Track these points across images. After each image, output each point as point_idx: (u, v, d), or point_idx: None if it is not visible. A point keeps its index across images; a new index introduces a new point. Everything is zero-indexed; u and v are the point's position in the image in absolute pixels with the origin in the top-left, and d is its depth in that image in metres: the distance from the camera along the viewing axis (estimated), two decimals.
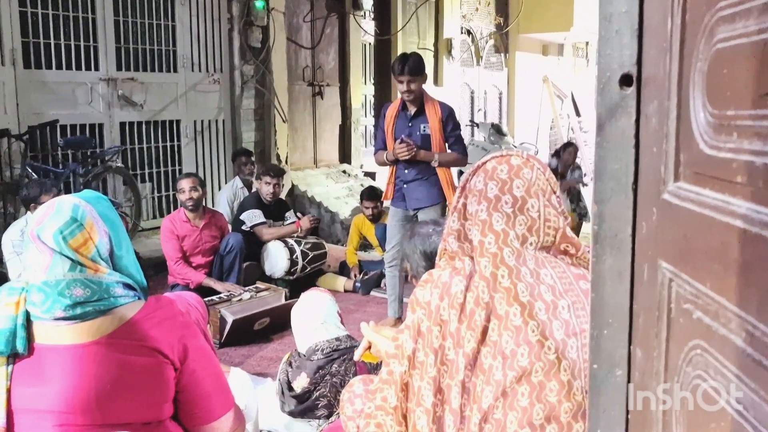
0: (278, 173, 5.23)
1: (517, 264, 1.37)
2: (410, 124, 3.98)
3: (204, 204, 4.78)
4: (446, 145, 3.97)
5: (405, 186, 4.02)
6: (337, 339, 2.86)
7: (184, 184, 4.57)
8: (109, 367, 1.46)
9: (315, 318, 2.92)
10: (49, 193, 3.89)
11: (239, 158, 6.05)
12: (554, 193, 1.47)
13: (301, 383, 2.79)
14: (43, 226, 1.47)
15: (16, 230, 4.01)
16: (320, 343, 2.83)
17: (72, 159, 5.48)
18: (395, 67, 3.89)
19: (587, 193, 8.83)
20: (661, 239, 0.69)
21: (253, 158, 6.21)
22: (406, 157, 3.88)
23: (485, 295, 1.36)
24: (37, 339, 1.47)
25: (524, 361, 1.32)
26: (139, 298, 1.56)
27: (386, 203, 6.35)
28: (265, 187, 5.13)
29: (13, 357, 1.46)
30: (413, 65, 3.85)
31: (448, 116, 3.94)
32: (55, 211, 1.49)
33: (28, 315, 1.47)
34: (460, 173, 8.03)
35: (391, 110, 4.07)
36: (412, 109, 3.96)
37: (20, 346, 1.44)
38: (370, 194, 5.55)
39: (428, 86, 9.74)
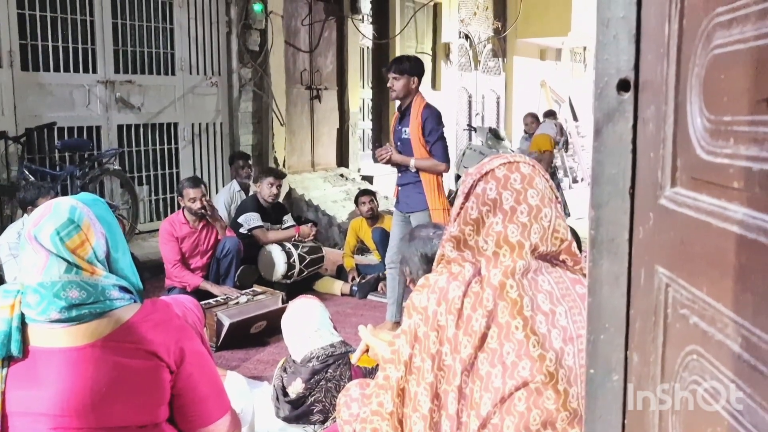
0: (280, 175, 5.29)
1: (522, 277, 1.37)
2: (399, 127, 4.05)
3: None
4: (427, 149, 3.93)
5: (400, 189, 4.12)
6: (332, 345, 2.85)
7: (196, 193, 4.53)
8: (104, 370, 1.45)
9: (308, 326, 2.91)
10: (47, 195, 3.88)
11: (236, 162, 6.05)
12: (557, 200, 1.47)
13: (296, 388, 2.78)
14: (40, 227, 1.47)
15: (13, 232, 4.00)
16: (315, 351, 2.82)
17: (69, 161, 5.48)
18: (386, 67, 4.06)
19: (571, 196, 8.99)
20: (657, 244, 0.69)
21: (250, 162, 6.21)
22: (382, 162, 4.01)
23: (489, 303, 1.36)
24: (32, 342, 1.46)
25: (525, 372, 1.32)
26: (135, 301, 1.56)
27: (382, 205, 6.36)
28: (266, 189, 5.14)
29: (8, 360, 1.45)
30: (397, 63, 3.96)
31: (426, 120, 3.90)
32: (52, 213, 1.49)
33: (23, 318, 1.47)
34: (458, 177, 8.04)
35: (395, 115, 4.19)
36: (401, 113, 4.05)
37: (15, 349, 1.44)
38: (365, 190, 5.70)
39: (425, 90, 9.71)
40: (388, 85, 3.98)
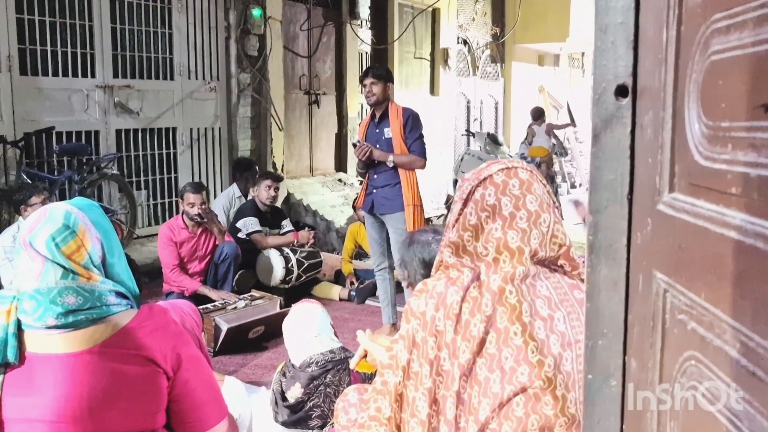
0: (277, 178, 5.31)
1: (520, 283, 1.37)
2: (377, 131, 4.15)
3: None
4: (407, 147, 4.08)
5: (374, 191, 4.16)
6: (332, 351, 2.85)
7: (195, 198, 4.55)
8: (101, 376, 1.44)
9: (308, 331, 2.90)
10: (39, 195, 3.88)
11: (245, 174, 5.83)
12: (555, 205, 1.47)
13: (294, 393, 2.78)
14: (35, 233, 1.46)
15: (8, 236, 3.99)
16: (315, 356, 2.82)
17: (67, 166, 5.47)
18: (360, 75, 4.19)
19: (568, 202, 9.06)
20: (655, 249, 0.69)
21: (257, 173, 6.00)
22: (363, 157, 4.06)
23: (488, 308, 1.36)
24: (28, 348, 1.45)
25: (524, 378, 1.32)
26: (131, 307, 1.55)
27: None
28: (264, 191, 5.14)
29: (4, 366, 1.45)
30: (375, 70, 4.17)
31: (408, 119, 4.08)
32: (47, 218, 1.48)
33: (19, 324, 1.46)
34: (455, 182, 8.04)
35: (364, 121, 4.34)
36: (378, 116, 4.16)
37: (11, 356, 1.43)
38: None
39: (425, 96, 9.69)
40: (366, 91, 4.12)
